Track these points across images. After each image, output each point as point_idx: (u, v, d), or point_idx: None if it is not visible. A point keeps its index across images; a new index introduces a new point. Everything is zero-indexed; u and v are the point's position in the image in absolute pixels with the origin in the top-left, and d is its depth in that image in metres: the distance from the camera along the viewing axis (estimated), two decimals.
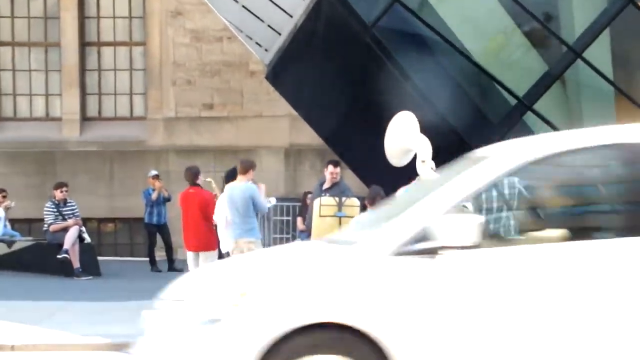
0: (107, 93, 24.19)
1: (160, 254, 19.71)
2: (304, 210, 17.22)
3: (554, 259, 6.63)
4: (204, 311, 6.25)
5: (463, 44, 18.49)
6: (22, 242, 19.41)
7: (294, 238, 20.34)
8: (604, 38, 18.94)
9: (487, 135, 18.27)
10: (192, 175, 13.84)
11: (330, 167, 14.27)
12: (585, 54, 18.65)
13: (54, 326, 12.26)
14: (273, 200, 13.98)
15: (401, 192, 13.99)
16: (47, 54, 24.15)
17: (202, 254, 13.47)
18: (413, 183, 13.60)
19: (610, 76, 19.00)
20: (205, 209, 13.50)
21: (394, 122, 13.39)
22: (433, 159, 13.24)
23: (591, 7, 19.25)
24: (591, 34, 18.76)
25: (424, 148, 13.02)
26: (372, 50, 17.96)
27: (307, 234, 18.73)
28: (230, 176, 13.77)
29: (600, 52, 18.88)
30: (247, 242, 12.70)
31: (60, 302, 14.43)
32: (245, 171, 12.92)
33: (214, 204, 13.64)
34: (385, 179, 14.92)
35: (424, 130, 13.35)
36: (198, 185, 13.75)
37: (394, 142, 13.29)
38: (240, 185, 12.84)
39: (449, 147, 16.58)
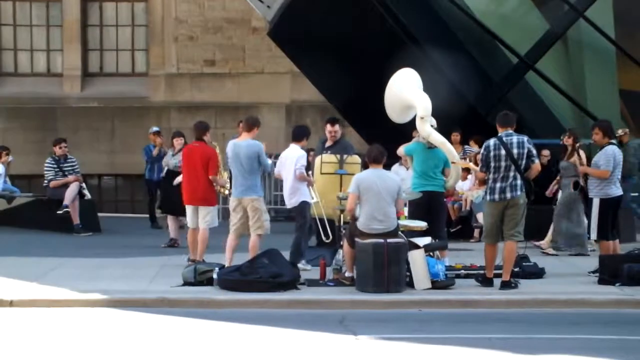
0: (108, 49, 24.01)
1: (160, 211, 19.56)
2: (306, 168, 17.04)
3: None
4: None
5: (466, 1, 18.32)
6: (22, 198, 19.28)
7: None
8: None
9: (488, 93, 18.17)
10: (201, 130, 13.63)
11: (328, 126, 14.07)
12: (588, 13, 18.49)
13: (53, 282, 12.21)
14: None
15: (401, 150, 13.84)
16: (48, 9, 23.94)
17: (201, 209, 13.29)
18: (414, 140, 13.42)
19: (612, 35, 18.83)
20: (207, 164, 13.30)
21: (394, 78, 13.18)
22: (434, 116, 13.06)
23: None
24: None
25: (423, 105, 12.82)
26: (375, 7, 17.79)
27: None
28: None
29: (602, 11, 18.74)
30: (251, 199, 12.53)
31: (59, 259, 14.38)
32: (250, 128, 12.70)
33: (217, 160, 13.43)
34: (386, 136, 14.76)
35: (426, 88, 13.16)
36: (203, 141, 13.53)
37: (394, 99, 13.10)
38: (246, 142, 12.64)
39: (450, 104, 16.43)
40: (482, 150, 12.14)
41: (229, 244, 12.70)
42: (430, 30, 18.24)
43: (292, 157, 13.13)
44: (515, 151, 11.83)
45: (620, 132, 17.98)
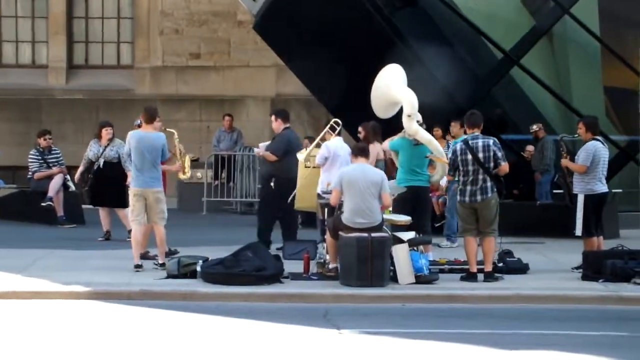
0: (94, 41, 23.92)
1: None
2: None
3: None
4: None
5: None
6: (6, 189, 19.14)
7: None
8: None
9: (473, 89, 18.13)
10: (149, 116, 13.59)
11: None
12: (573, 10, 18.49)
13: (36, 274, 12.12)
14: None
15: (386, 144, 13.80)
16: (33, 1, 23.82)
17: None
18: (399, 135, 13.37)
19: (597, 32, 18.83)
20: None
21: (381, 74, 13.14)
22: (420, 111, 13.02)
23: None
24: None
25: (410, 102, 12.78)
26: (362, 3, 17.72)
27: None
28: None
29: (587, 8, 18.74)
30: (154, 191, 12.47)
31: (43, 250, 14.27)
32: (151, 120, 12.63)
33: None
34: None
35: (409, 82, 13.11)
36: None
37: (380, 94, 13.05)
38: (149, 134, 12.57)
39: (435, 100, 16.38)
40: (449, 154, 12.25)
41: (136, 236, 12.58)
42: (416, 26, 18.20)
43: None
44: (481, 155, 11.96)
45: (534, 127, 18.07)
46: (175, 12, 23.53)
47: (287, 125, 14.31)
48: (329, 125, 13.81)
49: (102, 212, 15.92)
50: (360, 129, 15.06)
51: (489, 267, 12.03)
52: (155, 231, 12.64)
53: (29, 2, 23.84)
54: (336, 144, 13.51)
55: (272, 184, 14.03)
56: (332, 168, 13.15)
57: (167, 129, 14.30)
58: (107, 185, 15.72)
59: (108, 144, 15.92)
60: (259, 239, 13.65)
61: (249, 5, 19.44)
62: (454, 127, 14.64)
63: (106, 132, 16.02)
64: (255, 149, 15.38)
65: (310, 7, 18.12)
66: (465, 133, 12.58)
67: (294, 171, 13.93)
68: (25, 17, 23.84)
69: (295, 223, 14.48)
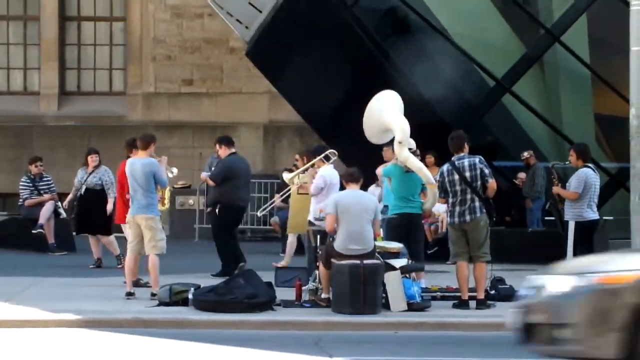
0: (86, 68, 23.95)
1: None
2: (283, 187, 17.02)
3: None
4: None
5: (443, 25, 18.37)
6: (1, 216, 19.12)
7: (271, 215, 20.15)
8: (582, 22, 18.90)
9: (466, 116, 18.19)
10: (126, 147, 13.76)
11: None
12: (563, 38, 18.60)
13: (26, 302, 12.08)
14: (175, 171, 13.86)
15: (379, 170, 13.82)
16: (26, 28, 23.85)
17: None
18: (391, 162, 13.36)
19: (587, 60, 18.93)
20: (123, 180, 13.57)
21: (374, 100, 13.15)
22: (413, 137, 13.05)
23: None
24: (569, 18, 18.72)
25: (401, 129, 12.80)
26: (352, 29, 17.80)
27: (285, 210, 18.54)
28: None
29: (577, 36, 18.86)
30: (145, 217, 12.44)
31: (33, 278, 14.25)
32: (146, 146, 12.70)
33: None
34: (364, 158, 14.74)
35: (404, 109, 13.15)
36: (129, 158, 13.58)
37: (372, 121, 13.08)
38: (141, 160, 12.62)
39: (428, 127, 16.43)
40: (438, 177, 12.25)
41: (128, 264, 12.60)
42: (407, 53, 18.26)
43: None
44: (467, 174, 11.96)
45: (526, 154, 18.14)
46: (168, 38, 23.58)
47: (232, 151, 14.66)
48: (323, 154, 13.79)
49: (91, 240, 15.94)
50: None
51: (481, 295, 12.00)
52: (148, 260, 12.60)
53: (20, 28, 23.88)
54: (331, 173, 13.48)
55: (217, 210, 14.28)
56: (326, 198, 13.15)
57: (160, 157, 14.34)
58: (90, 212, 15.81)
59: (92, 171, 15.92)
60: (222, 264, 13.81)
61: (242, 32, 19.52)
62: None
63: (91, 160, 16.07)
64: (202, 174, 15.53)
65: (302, 34, 18.20)
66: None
67: (239, 197, 14.03)
68: (17, 44, 23.87)
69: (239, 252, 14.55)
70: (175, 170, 13.99)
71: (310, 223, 13.06)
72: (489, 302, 12.11)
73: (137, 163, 12.59)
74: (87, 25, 23.93)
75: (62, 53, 23.74)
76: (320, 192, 13.28)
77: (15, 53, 23.82)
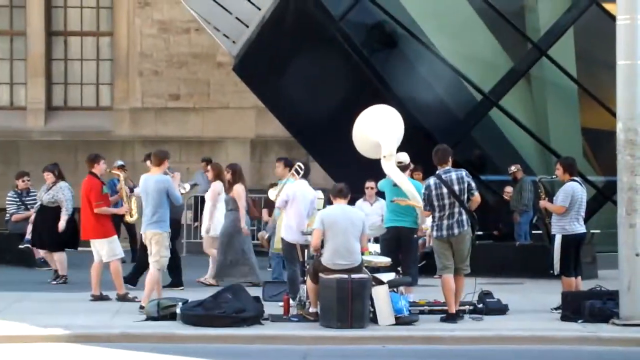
0: (73, 83, 23.99)
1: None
2: (270, 202, 17.04)
3: None
4: None
5: (430, 39, 18.46)
6: None
7: (258, 230, 20.18)
8: (568, 37, 19.01)
9: (454, 130, 18.27)
10: (89, 162, 13.88)
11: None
12: (550, 52, 18.70)
13: (13, 317, 12.08)
14: (187, 187, 13.97)
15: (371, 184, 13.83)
16: (12, 43, 23.89)
17: (95, 243, 13.63)
18: (385, 180, 13.31)
19: (574, 74, 19.04)
20: (89, 197, 13.53)
21: (365, 114, 13.14)
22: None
23: (556, 6, 19.30)
24: (556, 33, 18.83)
25: (386, 144, 12.84)
26: (339, 44, 17.89)
27: (272, 225, 18.54)
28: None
29: (564, 51, 18.97)
30: (153, 233, 12.58)
31: (20, 293, 14.22)
32: (159, 162, 12.80)
33: (99, 190, 13.62)
34: (350, 172, 14.79)
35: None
36: (92, 174, 13.74)
37: (361, 136, 13.09)
38: (155, 177, 12.73)
39: (415, 141, 16.50)
40: (423, 190, 12.30)
41: (148, 277, 12.76)
42: (396, 67, 18.36)
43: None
44: (456, 187, 12.04)
45: (513, 168, 18.27)
46: (155, 53, 23.63)
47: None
48: (293, 168, 13.82)
49: (46, 256, 16.02)
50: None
51: (457, 306, 12.10)
52: (148, 273, 12.75)
53: (7, 43, 23.91)
54: (295, 188, 13.34)
55: None
56: (291, 211, 13.10)
57: (112, 172, 14.58)
58: (42, 228, 15.91)
59: (50, 188, 15.89)
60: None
61: (229, 47, 19.58)
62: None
63: (46, 177, 16.05)
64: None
65: (288, 49, 18.26)
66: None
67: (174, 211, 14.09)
68: (4, 59, 23.89)
69: (178, 266, 14.67)
70: (187, 186, 14.17)
71: (283, 240, 13.09)
72: (476, 315, 12.21)
73: (150, 180, 12.68)
74: (74, 40, 23.97)
75: (49, 68, 23.77)
76: (285, 205, 13.23)
77: (2, 68, 23.85)
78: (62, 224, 15.59)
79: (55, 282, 15.61)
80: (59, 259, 15.71)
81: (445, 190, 11.99)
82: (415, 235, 13.50)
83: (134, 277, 14.63)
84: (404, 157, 13.17)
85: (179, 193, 13.00)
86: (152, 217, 12.56)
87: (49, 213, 15.81)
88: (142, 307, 12.35)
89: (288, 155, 23.02)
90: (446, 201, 12.01)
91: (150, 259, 12.64)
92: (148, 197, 12.60)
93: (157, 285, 12.73)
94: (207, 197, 15.63)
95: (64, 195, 15.78)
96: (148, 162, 14.16)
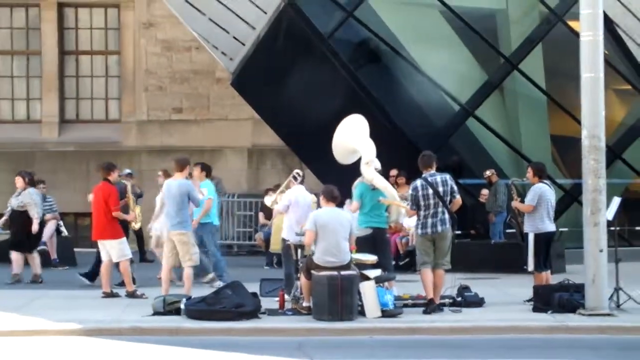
0: (84, 97, 23.98)
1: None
2: (266, 206, 17.10)
3: None
4: None
5: (411, 54, 18.53)
6: (3, 235, 19.04)
7: (255, 232, 20.24)
8: (538, 52, 19.09)
9: (433, 138, 18.34)
10: (104, 170, 13.90)
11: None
12: (521, 66, 18.79)
13: (32, 313, 12.10)
14: (205, 192, 14.14)
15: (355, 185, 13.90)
16: (28, 62, 23.90)
17: (106, 243, 13.71)
18: (358, 180, 13.40)
19: (543, 86, 19.13)
20: (107, 201, 13.59)
21: (342, 124, 13.27)
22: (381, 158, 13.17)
23: (526, 23, 19.40)
24: (526, 48, 18.91)
25: (368, 150, 12.94)
26: (328, 59, 17.95)
27: (268, 228, 18.66)
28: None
29: (534, 64, 19.05)
30: (178, 233, 12.72)
31: (38, 291, 14.23)
32: (181, 168, 12.97)
33: (116, 197, 13.68)
34: (340, 177, 14.83)
35: (375, 132, 13.27)
36: (107, 180, 13.79)
37: (340, 143, 13.18)
38: (177, 181, 12.92)
39: (398, 148, 16.57)
40: (410, 191, 12.37)
41: (163, 274, 12.95)
42: (380, 81, 18.42)
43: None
44: (440, 189, 12.12)
45: (488, 172, 18.31)
46: (159, 70, 23.66)
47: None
48: (291, 175, 13.91)
49: (15, 256, 15.66)
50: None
51: (437, 300, 12.16)
52: (184, 272, 12.89)
53: (24, 62, 23.93)
54: (297, 193, 13.46)
55: None
56: (292, 214, 13.19)
57: (121, 179, 14.61)
58: (13, 231, 15.83)
59: (19, 194, 15.78)
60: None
61: (227, 63, 19.63)
62: (195, 170, 14.64)
63: (16, 180, 15.90)
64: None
65: (282, 65, 18.32)
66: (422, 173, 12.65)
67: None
68: (21, 77, 23.92)
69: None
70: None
71: (284, 240, 13.20)
72: (455, 308, 12.27)
73: (173, 184, 12.85)
74: (85, 59, 23.99)
75: (62, 84, 23.79)
76: (287, 210, 13.35)
77: (19, 85, 23.86)
78: (35, 227, 15.45)
79: (12, 282, 15.26)
80: (31, 258, 15.52)
81: (430, 191, 12.06)
82: (395, 235, 13.53)
83: (95, 274, 14.61)
84: (378, 163, 13.23)
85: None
86: (175, 218, 12.71)
87: (18, 216, 15.66)
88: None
89: (282, 163, 23.22)
90: (431, 201, 12.08)
91: (182, 259, 12.73)
92: (171, 200, 12.72)
93: (165, 283, 12.83)
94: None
95: (32, 199, 15.60)
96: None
